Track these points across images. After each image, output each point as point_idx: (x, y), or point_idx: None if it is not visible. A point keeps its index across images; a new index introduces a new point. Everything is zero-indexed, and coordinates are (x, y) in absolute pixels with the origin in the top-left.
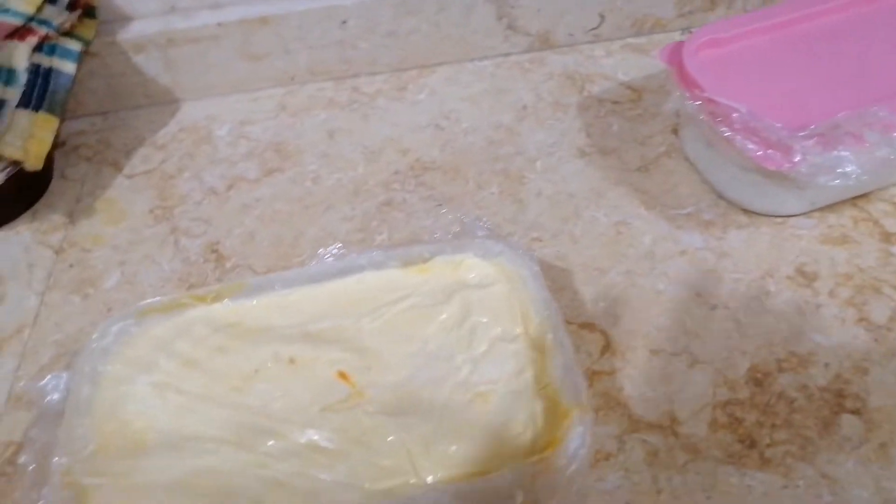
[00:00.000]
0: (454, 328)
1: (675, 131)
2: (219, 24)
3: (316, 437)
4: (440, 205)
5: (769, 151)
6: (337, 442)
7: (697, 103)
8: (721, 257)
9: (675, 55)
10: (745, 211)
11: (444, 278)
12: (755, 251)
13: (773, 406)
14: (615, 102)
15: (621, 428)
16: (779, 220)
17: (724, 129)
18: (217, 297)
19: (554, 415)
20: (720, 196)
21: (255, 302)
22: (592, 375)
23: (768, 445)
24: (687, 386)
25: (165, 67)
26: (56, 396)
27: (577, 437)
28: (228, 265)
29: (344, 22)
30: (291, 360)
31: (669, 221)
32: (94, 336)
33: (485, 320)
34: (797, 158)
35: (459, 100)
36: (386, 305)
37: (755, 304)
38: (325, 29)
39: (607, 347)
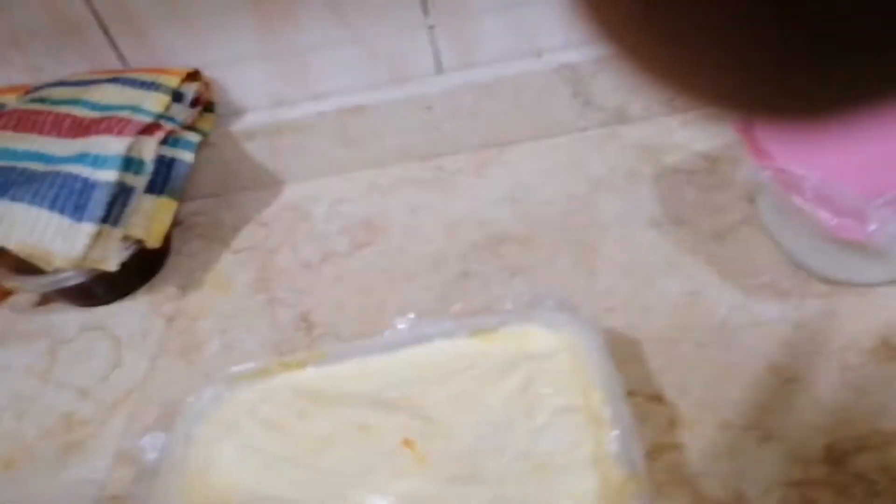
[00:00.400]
0: (517, 398)
1: (751, 199)
2: (319, 114)
3: (380, 503)
4: (514, 275)
5: (843, 220)
6: None
7: (769, 172)
8: (798, 328)
9: (747, 123)
10: (825, 280)
11: (510, 348)
12: (835, 322)
13: (851, 488)
14: (690, 172)
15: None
16: (861, 289)
17: (796, 197)
18: (301, 365)
19: (612, 488)
20: (798, 265)
21: (334, 370)
22: (659, 449)
23: None
24: (757, 463)
25: (271, 153)
26: (154, 455)
27: None
28: (316, 333)
29: (429, 107)
30: (362, 427)
31: (744, 291)
32: (189, 400)
33: (547, 391)
34: (873, 227)
35: (536, 174)
36: (452, 374)
37: (834, 378)
38: (412, 114)
39: (675, 421)
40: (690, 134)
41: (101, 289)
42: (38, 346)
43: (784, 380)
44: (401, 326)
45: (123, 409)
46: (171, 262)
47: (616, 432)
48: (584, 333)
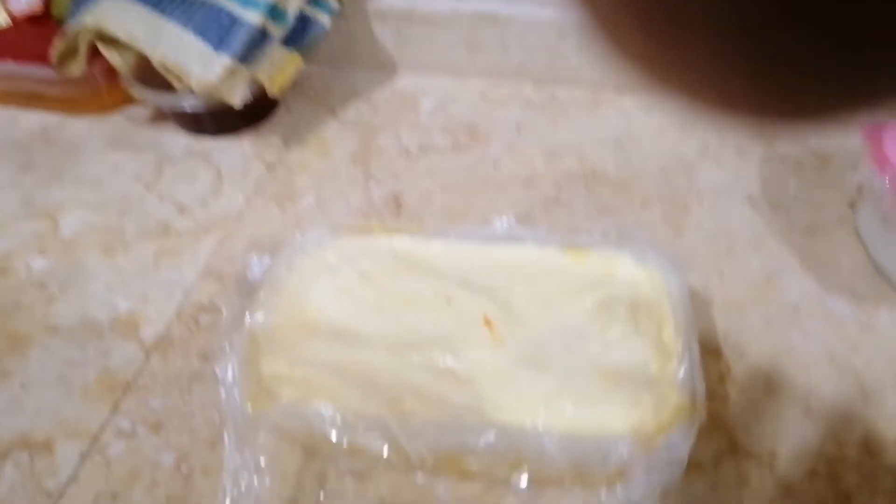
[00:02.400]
0: (594, 313)
1: (851, 205)
2: (453, 12)
3: (454, 364)
4: (602, 213)
5: None
6: (471, 372)
7: (886, 179)
8: (866, 331)
9: (876, 132)
10: None
11: (597, 270)
12: None
13: (880, 476)
14: (798, 163)
15: (720, 447)
16: None
17: None
18: (400, 232)
19: (667, 408)
20: (882, 275)
21: (431, 244)
22: (707, 395)
23: None
24: (796, 432)
25: (396, 39)
26: (258, 272)
27: (683, 430)
28: (403, 214)
29: (562, 34)
30: (448, 299)
31: (822, 285)
32: (297, 237)
33: (623, 313)
34: None
35: (647, 126)
36: (539, 277)
37: (889, 379)
38: (542, 36)
39: (726, 376)
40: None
41: (211, 121)
42: (146, 157)
43: (839, 369)
44: (498, 224)
45: (216, 233)
46: (279, 115)
47: (685, 365)
48: (670, 273)
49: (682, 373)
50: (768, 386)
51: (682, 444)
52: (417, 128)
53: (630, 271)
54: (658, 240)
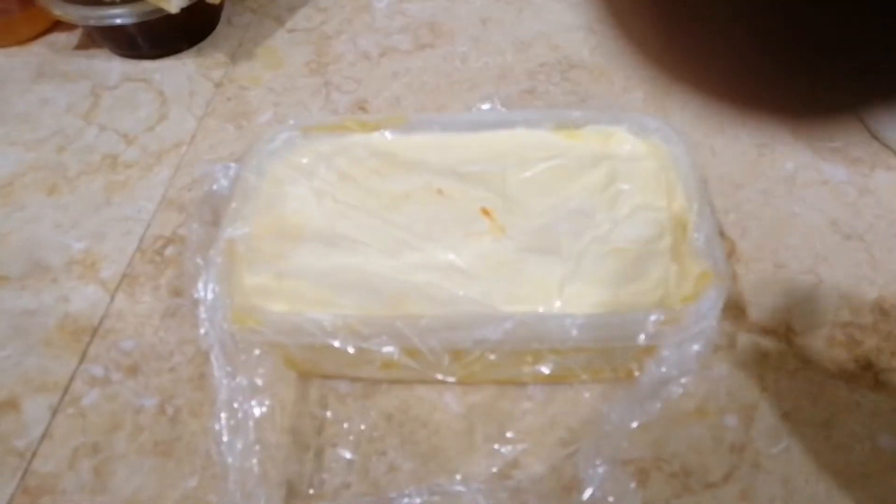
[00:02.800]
0: (598, 191)
1: None
2: None
3: (455, 259)
4: (583, 100)
5: None
6: (475, 266)
7: None
8: (864, 193)
9: None
10: None
11: (594, 146)
12: None
13: None
14: None
15: (736, 327)
16: None
17: None
18: (378, 127)
19: (689, 278)
20: (874, 136)
21: (413, 137)
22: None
23: (885, 370)
24: (809, 302)
25: None
26: (225, 183)
27: (711, 298)
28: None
29: None
30: (440, 191)
31: (815, 152)
32: (263, 139)
33: (628, 188)
34: None
35: None
36: (534, 161)
37: (893, 242)
38: None
39: (732, 254)
40: None
41: (146, 40)
42: (79, 87)
43: (843, 236)
44: (484, 107)
45: (170, 161)
46: (221, 30)
47: (703, 233)
48: (673, 140)
49: (701, 240)
50: (775, 260)
51: (711, 313)
52: (374, 30)
53: (629, 145)
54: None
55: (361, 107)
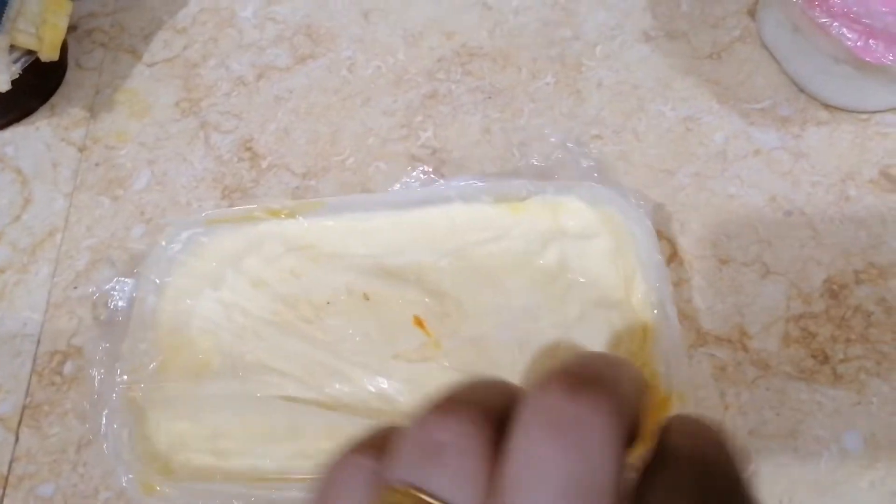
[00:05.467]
0: (547, 284)
1: (751, 13)
2: None
3: (386, 387)
4: (490, 97)
5: (871, 42)
6: (407, 395)
7: None
8: (798, 158)
9: None
10: (827, 106)
11: (541, 222)
12: (836, 152)
13: (849, 320)
14: None
15: (688, 342)
16: (863, 116)
17: (818, 13)
18: (291, 214)
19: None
20: (800, 89)
21: (331, 223)
22: None
23: (842, 361)
24: (758, 298)
25: None
26: (122, 304)
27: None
28: (264, 164)
29: None
30: (366, 296)
31: (743, 117)
32: (161, 243)
33: (582, 280)
34: None
35: None
36: (472, 245)
37: (833, 211)
38: None
39: (674, 256)
40: None
41: None
42: None
43: (784, 212)
44: (413, 183)
45: (47, 255)
46: (71, 77)
47: (665, 340)
48: (631, 215)
49: (662, 352)
50: (718, 254)
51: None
52: (244, 47)
53: (581, 219)
54: (559, 114)
55: (248, 147)
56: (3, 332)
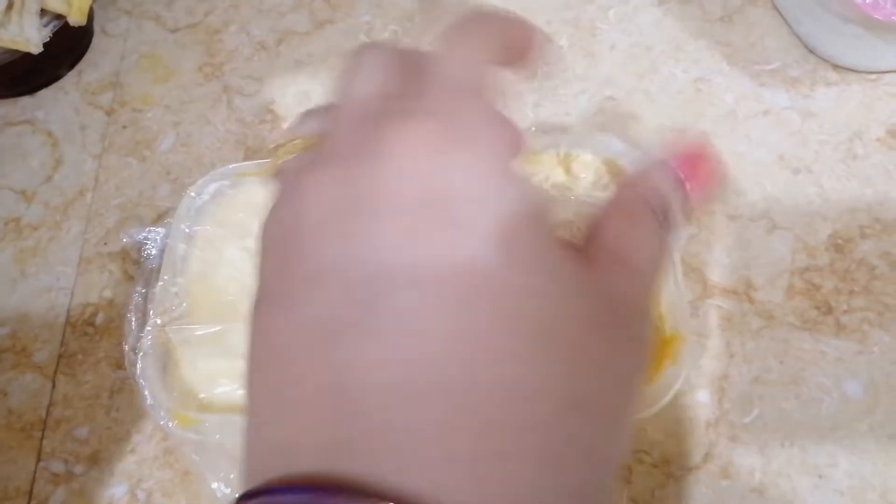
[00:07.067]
0: None
1: None
2: None
3: None
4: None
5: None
6: None
7: None
8: (807, 117)
9: None
10: (836, 67)
11: (555, 175)
12: (844, 111)
13: (853, 273)
14: None
15: (695, 293)
16: (872, 76)
17: None
18: None
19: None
20: (810, 50)
21: None
22: None
23: (845, 312)
24: (765, 252)
25: None
26: (154, 252)
27: (676, 374)
28: (286, 126)
29: None
30: None
31: (753, 78)
32: (190, 194)
33: None
34: None
35: None
36: None
37: (840, 168)
38: None
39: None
40: None
41: (19, 75)
42: None
43: (792, 170)
44: None
45: (78, 213)
46: (97, 43)
47: (668, 284)
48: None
49: (665, 295)
50: (727, 210)
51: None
52: (264, 12)
53: (594, 172)
54: (573, 75)
55: (270, 110)
56: (39, 285)
